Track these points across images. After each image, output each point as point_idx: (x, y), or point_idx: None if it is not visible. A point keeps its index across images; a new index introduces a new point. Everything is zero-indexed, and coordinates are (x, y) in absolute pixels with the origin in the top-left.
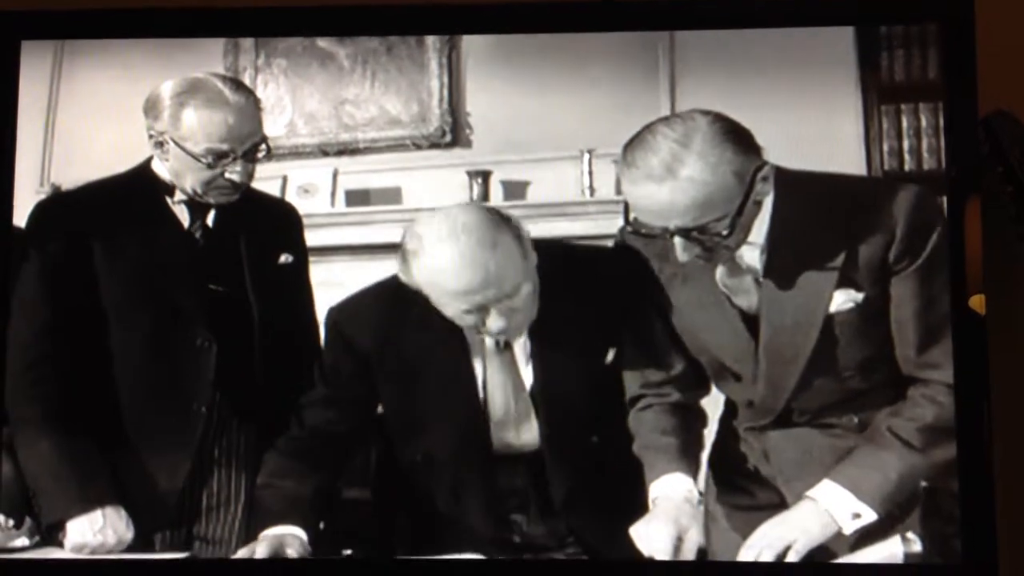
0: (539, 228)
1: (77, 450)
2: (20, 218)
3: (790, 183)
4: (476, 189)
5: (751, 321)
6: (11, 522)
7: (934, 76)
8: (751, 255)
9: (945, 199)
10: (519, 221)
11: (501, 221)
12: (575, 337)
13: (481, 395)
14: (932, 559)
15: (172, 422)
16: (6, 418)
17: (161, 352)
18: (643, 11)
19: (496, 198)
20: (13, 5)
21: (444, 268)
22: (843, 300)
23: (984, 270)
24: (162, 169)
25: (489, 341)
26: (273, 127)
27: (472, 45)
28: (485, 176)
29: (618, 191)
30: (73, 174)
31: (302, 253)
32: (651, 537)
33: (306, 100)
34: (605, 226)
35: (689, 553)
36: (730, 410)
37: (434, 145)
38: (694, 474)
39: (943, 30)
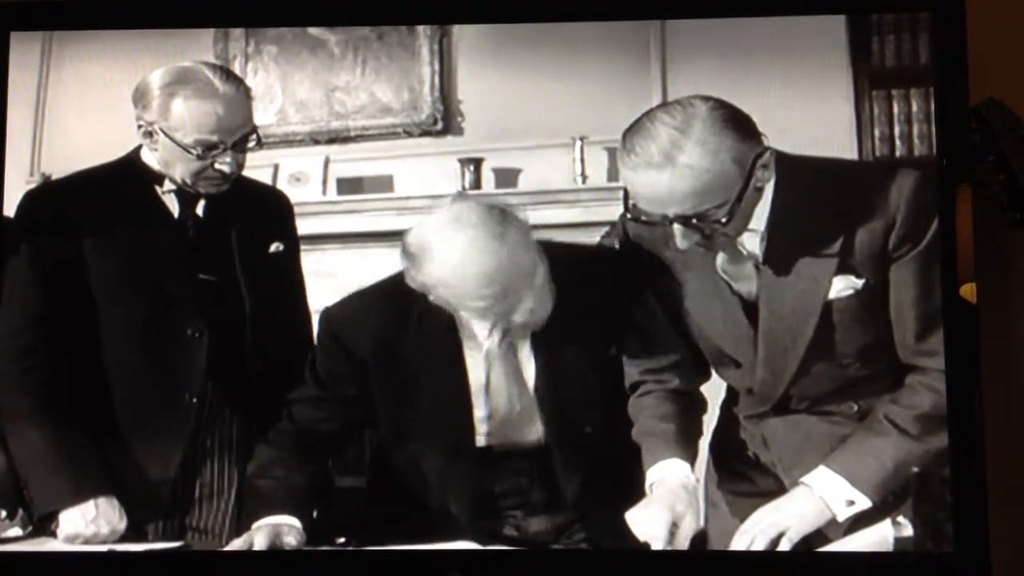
0: (531, 216)
1: (69, 440)
2: (10, 208)
3: (791, 169)
4: (468, 177)
5: (751, 308)
6: (3, 513)
7: (925, 61)
8: (752, 242)
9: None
10: (519, 211)
11: (504, 212)
12: (577, 335)
13: (480, 396)
14: (923, 543)
15: (164, 412)
16: None
17: (152, 342)
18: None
19: (488, 186)
20: None
21: (458, 262)
22: (842, 287)
23: (976, 258)
24: (151, 158)
25: (492, 341)
26: (264, 115)
27: (464, 33)
28: (477, 164)
29: (610, 178)
30: (63, 164)
31: (293, 242)
32: (647, 522)
33: (297, 88)
34: (597, 213)
35: (685, 539)
36: (731, 397)
37: (426, 133)
38: (692, 460)
39: (934, 19)
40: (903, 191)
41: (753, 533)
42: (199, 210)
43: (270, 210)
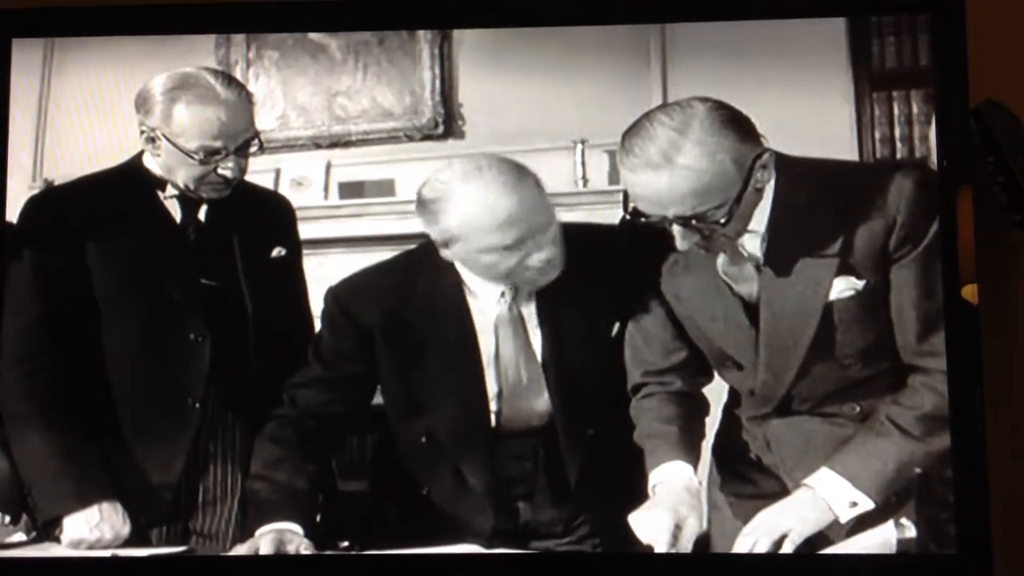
0: None
1: (72, 445)
2: (12, 214)
3: (792, 170)
4: None
5: (752, 309)
6: (7, 518)
7: (925, 63)
8: (752, 243)
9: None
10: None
11: (519, 165)
12: (581, 307)
13: (490, 368)
14: (926, 545)
15: (166, 417)
16: (0, 415)
17: (155, 346)
18: (635, 3)
19: None
20: (3, 4)
21: (478, 204)
22: (843, 287)
23: (977, 260)
24: (153, 164)
25: (502, 307)
26: (265, 120)
27: (464, 36)
28: None
29: (611, 181)
30: (65, 170)
31: (295, 246)
32: (650, 525)
33: (298, 92)
34: (598, 216)
35: (688, 542)
36: (733, 399)
37: (427, 137)
38: (695, 462)
39: (934, 21)
40: (903, 192)
41: (756, 535)
42: (201, 215)
43: (272, 215)
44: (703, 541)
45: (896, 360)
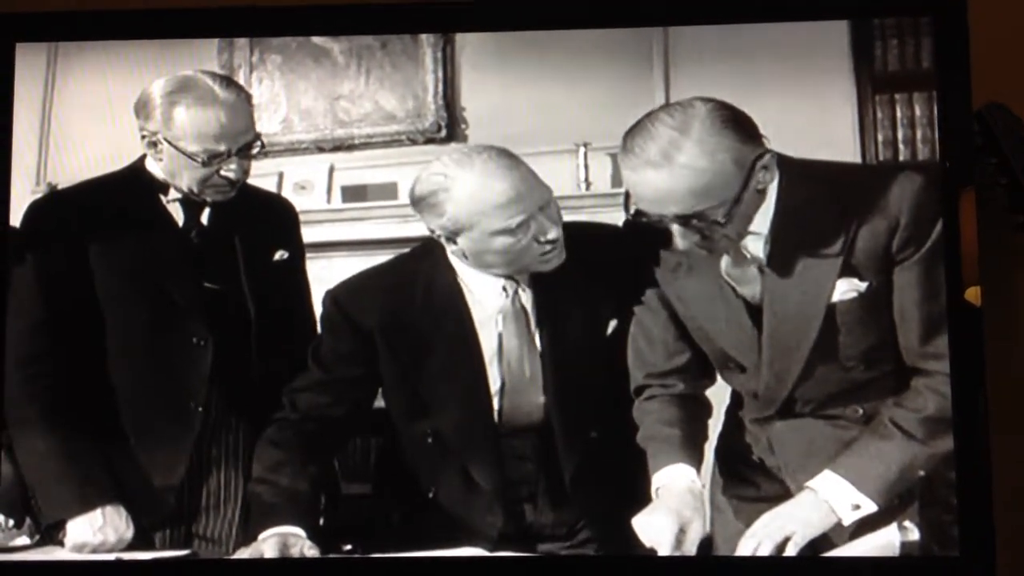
0: None
1: (75, 449)
2: (16, 218)
3: (795, 171)
4: None
5: (755, 311)
6: (11, 522)
7: (928, 65)
8: (755, 244)
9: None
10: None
11: (506, 151)
12: (582, 305)
13: (493, 364)
14: (929, 547)
15: (169, 420)
16: (4, 418)
17: (157, 350)
18: (638, 6)
19: None
20: (7, 8)
21: (480, 187)
22: (846, 289)
23: (980, 262)
24: (156, 168)
25: (505, 300)
26: (268, 124)
27: (467, 40)
28: None
29: (614, 184)
30: (68, 174)
31: (298, 249)
32: (654, 528)
33: (301, 96)
34: (601, 219)
35: (691, 545)
36: (736, 401)
37: (430, 140)
38: (698, 465)
39: (936, 23)
40: (906, 194)
41: (759, 538)
42: (204, 218)
43: (275, 218)
44: (706, 544)
45: (899, 362)
